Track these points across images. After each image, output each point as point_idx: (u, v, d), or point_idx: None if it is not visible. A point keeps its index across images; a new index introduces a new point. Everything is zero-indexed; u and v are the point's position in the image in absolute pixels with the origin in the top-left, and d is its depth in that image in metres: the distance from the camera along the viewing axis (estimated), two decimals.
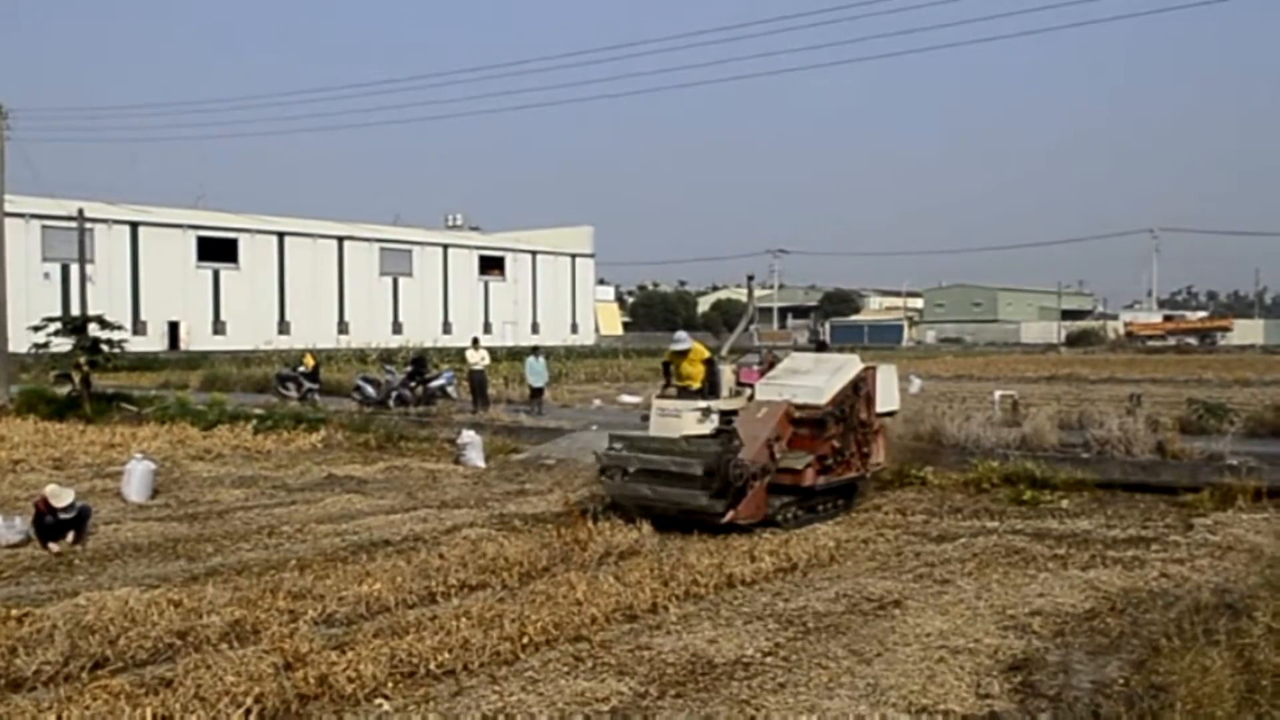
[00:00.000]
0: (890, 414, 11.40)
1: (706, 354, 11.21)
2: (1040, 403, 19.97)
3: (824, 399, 10.10)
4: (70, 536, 9.13)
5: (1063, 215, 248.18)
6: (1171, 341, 77.85)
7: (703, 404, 10.42)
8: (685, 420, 10.34)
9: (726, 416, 10.27)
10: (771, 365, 11.05)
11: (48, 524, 9.09)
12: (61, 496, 9.17)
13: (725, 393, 10.79)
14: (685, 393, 10.94)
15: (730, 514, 9.13)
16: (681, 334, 11.79)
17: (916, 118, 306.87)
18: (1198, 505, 10.82)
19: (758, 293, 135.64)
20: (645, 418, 13.82)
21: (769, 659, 5.97)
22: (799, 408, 9.99)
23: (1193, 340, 79.40)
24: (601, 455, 10.40)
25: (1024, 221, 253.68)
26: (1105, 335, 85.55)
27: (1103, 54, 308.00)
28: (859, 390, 10.51)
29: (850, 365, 10.66)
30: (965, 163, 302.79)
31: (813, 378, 10.42)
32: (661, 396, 11.15)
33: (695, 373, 11.05)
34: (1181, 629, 6.18)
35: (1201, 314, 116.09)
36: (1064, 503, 11.26)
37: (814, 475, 9.93)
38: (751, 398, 10.49)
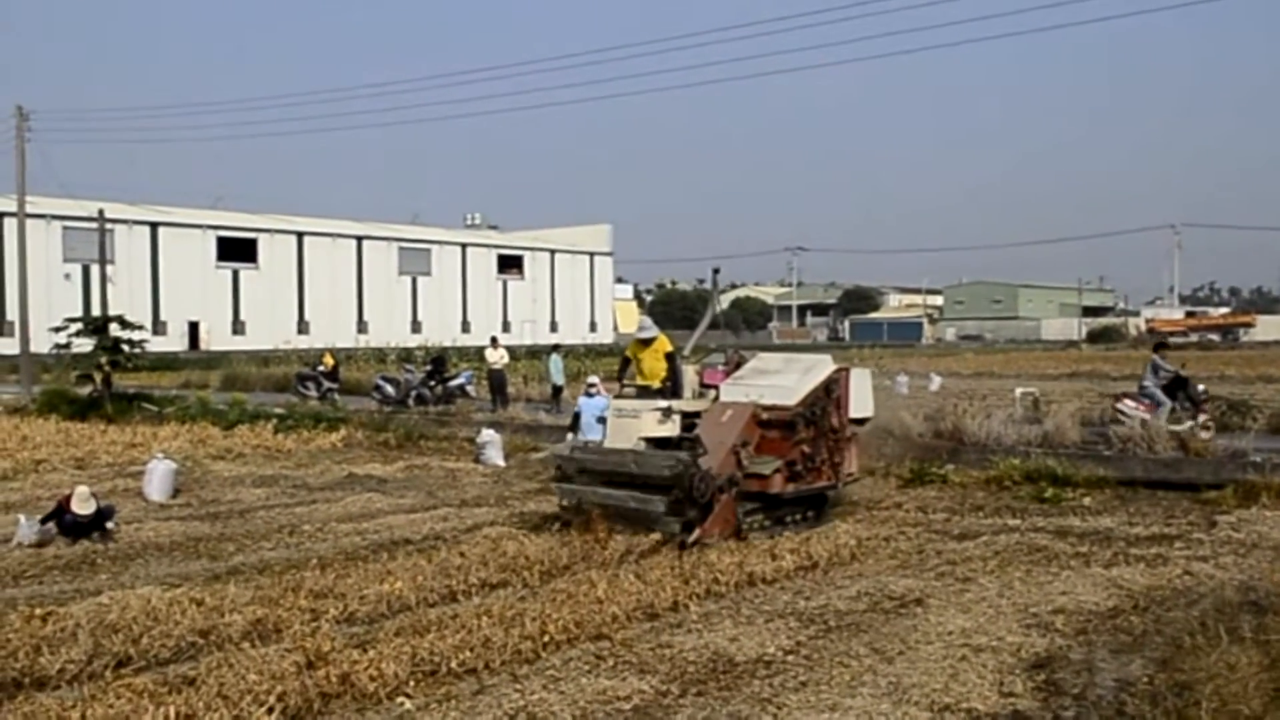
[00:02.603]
0: (863, 421, 10.63)
1: (670, 348, 10.49)
2: (1061, 400, 19.79)
3: (794, 399, 9.49)
4: (96, 535, 9.22)
5: (1084, 211, 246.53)
6: (1194, 338, 76.97)
7: (663, 404, 9.66)
8: (644, 422, 9.55)
9: (689, 419, 9.60)
10: (738, 366, 10.39)
11: (66, 522, 9.21)
12: (84, 503, 9.26)
13: (689, 393, 10.10)
14: (645, 391, 10.17)
15: (697, 532, 8.42)
16: (647, 320, 10.95)
17: (937, 113, 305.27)
18: (1221, 502, 10.70)
19: (776, 290, 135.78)
20: (571, 426, 13.05)
21: (790, 657, 5.95)
22: (767, 409, 9.34)
23: (1215, 336, 78.55)
24: (556, 487, 9.61)
25: (1044, 218, 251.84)
26: (1127, 332, 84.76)
27: (1124, 47, 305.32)
28: (831, 393, 9.90)
29: (822, 365, 10.07)
30: (985, 158, 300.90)
31: (782, 377, 9.83)
32: (619, 395, 10.38)
33: (656, 369, 10.30)
34: (1206, 627, 6.11)
35: (1224, 310, 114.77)
36: (1086, 500, 11.16)
37: (783, 482, 9.29)
38: (716, 399, 9.84)
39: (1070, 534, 9.44)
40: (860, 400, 10.38)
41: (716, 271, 12.95)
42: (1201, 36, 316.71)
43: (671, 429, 9.54)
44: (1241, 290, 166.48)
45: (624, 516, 8.68)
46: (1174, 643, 6.03)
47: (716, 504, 8.59)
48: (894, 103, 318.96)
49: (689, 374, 10.37)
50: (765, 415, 9.33)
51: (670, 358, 10.29)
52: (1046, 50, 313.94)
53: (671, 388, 10.07)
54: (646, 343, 10.54)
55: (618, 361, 11.45)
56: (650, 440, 9.47)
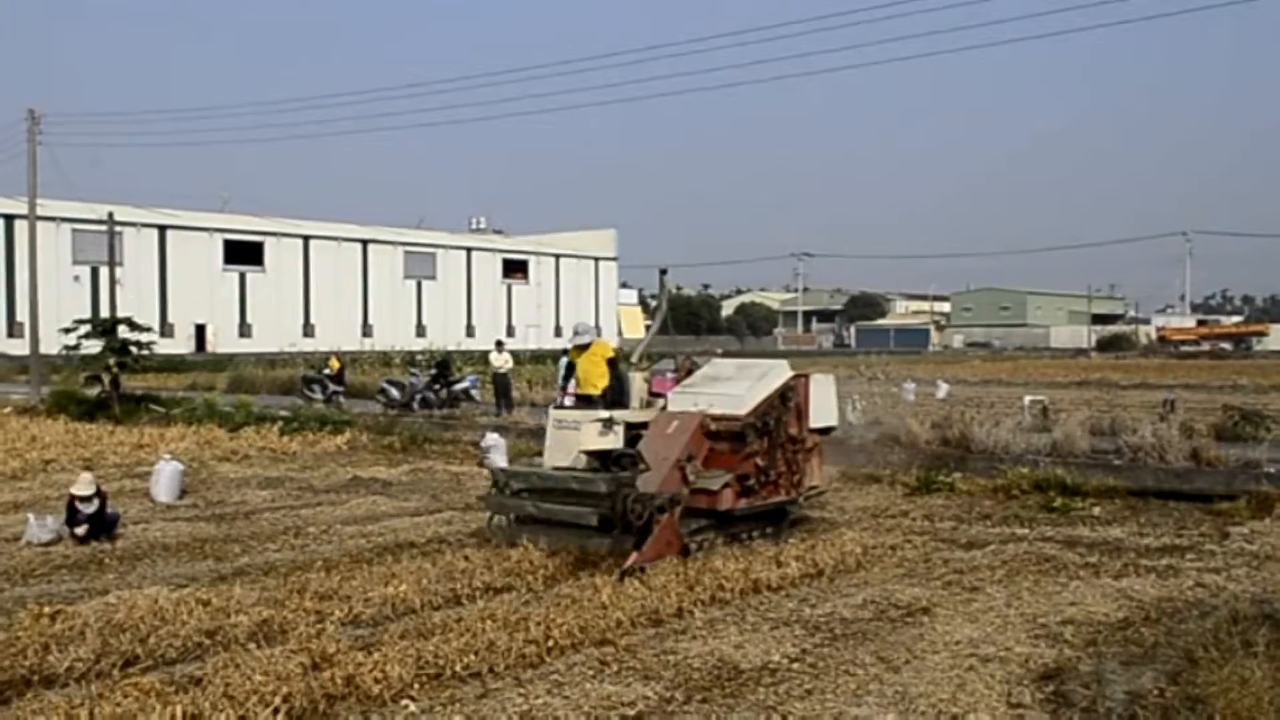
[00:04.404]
0: (827, 430, 10.03)
1: (610, 352, 9.85)
2: (1071, 408, 19.71)
3: (744, 409, 8.87)
4: (84, 529, 9.22)
5: (1094, 217, 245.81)
6: (1205, 346, 76.73)
7: (604, 414, 9.02)
8: (585, 434, 8.94)
9: (635, 430, 8.92)
10: (689, 373, 9.81)
11: (74, 514, 9.30)
12: (85, 487, 9.35)
13: (635, 403, 9.54)
14: (585, 401, 9.55)
15: (634, 557, 7.72)
16: (583, 324, 10.37)
17: (945, 120, 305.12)
18: (1234, 513, 10.62)
19: (782, 296, 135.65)
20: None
21: (795, 665, 5.92)
22: (715, 419, 8.73)
23: (1227, 345, 78.28)
24: (487, 500, 9.27)
25: (1054, 224, 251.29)
26: (1137, 340, 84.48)
27: (1135, 54, 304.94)
28: (787, 401, 9.30)
29: (777, 372, 9.44)
30: (994, 164, 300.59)
31: (733, 385, 9.23)
32: (559, 406, 9.84)
33: (593, 374, 9.64)
34: (1219, 639, 6.05)
35: (1236, 318, 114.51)
36: (1096, 510, 11.09)
37: (733, 497, 8.73)
38: (664, 409, 9.25)
39: (1079, 544, 9.38)
40: (822, 409, 9.80)
41: (664, 273, 11.94)
42: (1215, 43, 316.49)
43: (614, 441, 8.86)
44: (1255, 298, 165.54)
45: (558, 538, 8.20)
46: (1186, 655, 5.98)
47: (656, 525, 7.91)
48: (902, 107, 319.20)
49: (637, 382, 9.81)
50: (714, 426, 8.74)
51: (611, 363, 9.66)
52: (1058, 57, 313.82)
53: (613, 396, 9.44)
54: (583, 347, 9.91)
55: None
56: (591, 453, 8.92)
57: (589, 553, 8.16)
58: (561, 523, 8.53)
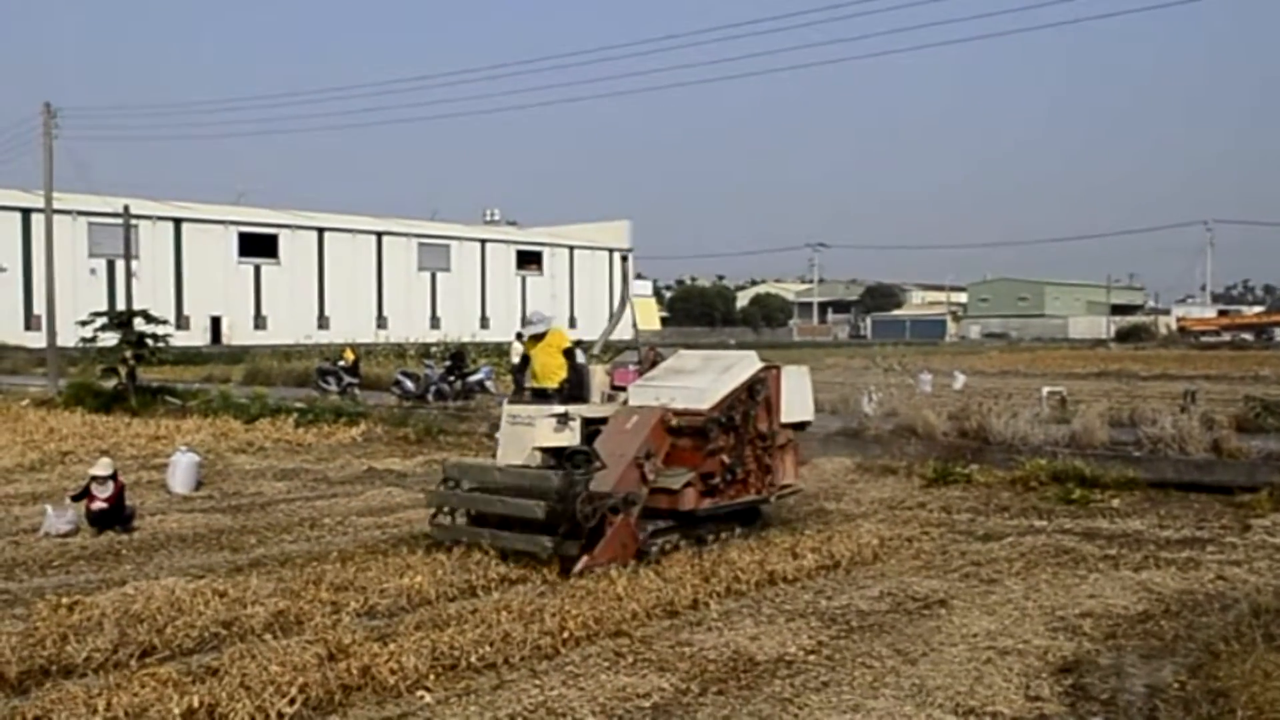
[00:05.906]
0: (801, 426, 9.62)
1: (567, 342, 9.29)
2: (1089, 399, 19.57)
3: (708, 403, 8.43)
4: (83, 505, 9.43)
5: (1113, 207, 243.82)
6: (1226, 337, 75.86)
7: (559, 409, 8.50)
8: (539, 430, 8.43)
9: (594, 426, 8.48)
10: (653, 365, 9.41)
11: (89, 494, 9.51)
12: (101, 466, 9.58)
13: (596, 397, 9.13)
14: (541, 395, 9.05)
15: (584, 560, 7.40)
16: (538, 312, 9.79)
17: (960, 109, 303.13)
18: (1255, 506, 10.51)
19: (797, 287, 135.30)
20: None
21: (812, 657, 5.90)
22: (677, 414, 8.32)
23: (1249, 336, 77.35)
24: (431, 495, 8.70)
25: (1072, 213, 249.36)
26: (1157, 330, 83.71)
27: (1151, 41, 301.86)
28: (756, 394, 8.86)
29: (745, 364, 8.98)
30: (1012, 152, 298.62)
31: (697, 378, 8.80)
32: (513, 400, 9.36)
33: (550, 366, 9.13)
34: (1240, 632, 6.01)
35: (1258, 308, 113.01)
36: (1115, 502, 11.01)
37: (696, 497, 8.30)
38: (626, 403, 8.86)
39: (1098, 536, 9.31)
40: (795, 403, 9.40)
41: (626, 260, 11.60)
42: (1232, 30, 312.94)
43: (570, 437, 8.32)
44: (1276, 288, 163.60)
45: (506, 541, 7.82)
46: (1207, 648, 5.93)
47: (609, 526, 7.55)
48: (918, 97, 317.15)
49: (599, 375, 9.43)
50: (675, 421, 8.32)
51: (569, 354, 9.14)
52: (1073, 44, 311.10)
53: (571, 390, 8.93)
54: (538, 337, 9.33)
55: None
56: (546, 450, 8.47)
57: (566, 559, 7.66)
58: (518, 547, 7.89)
